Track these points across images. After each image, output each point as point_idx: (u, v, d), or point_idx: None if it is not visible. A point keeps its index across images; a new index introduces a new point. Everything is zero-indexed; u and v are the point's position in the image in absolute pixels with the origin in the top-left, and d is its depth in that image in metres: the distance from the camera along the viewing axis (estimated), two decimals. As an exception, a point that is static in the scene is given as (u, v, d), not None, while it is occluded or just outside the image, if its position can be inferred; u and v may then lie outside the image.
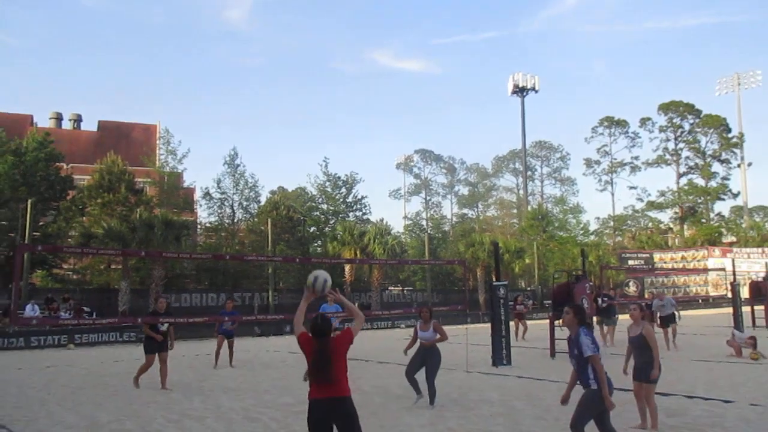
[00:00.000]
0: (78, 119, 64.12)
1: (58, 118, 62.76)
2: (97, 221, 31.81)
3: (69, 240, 32.86)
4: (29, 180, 32.10)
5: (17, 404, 9.74)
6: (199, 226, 42.36)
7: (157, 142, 44.01)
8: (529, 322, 21.07)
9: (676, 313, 16.95)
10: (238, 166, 40.35)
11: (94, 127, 61.75)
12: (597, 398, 5.39)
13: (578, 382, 5.57)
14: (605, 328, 17.89)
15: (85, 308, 25.55)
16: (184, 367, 14.68)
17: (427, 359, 8.94)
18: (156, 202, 37.04)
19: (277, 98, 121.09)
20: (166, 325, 11.35)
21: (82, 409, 9.23)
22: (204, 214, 42.25)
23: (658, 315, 17.06)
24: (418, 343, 9.18)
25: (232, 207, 40.56)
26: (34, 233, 29.73)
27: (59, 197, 34.34)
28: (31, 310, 21.88)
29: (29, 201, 27.34)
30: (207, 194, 40.05)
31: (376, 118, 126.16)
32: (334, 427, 4.45)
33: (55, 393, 10.86)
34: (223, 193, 40.04)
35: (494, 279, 14.58)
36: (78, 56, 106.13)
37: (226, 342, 14.41)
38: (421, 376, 8.92)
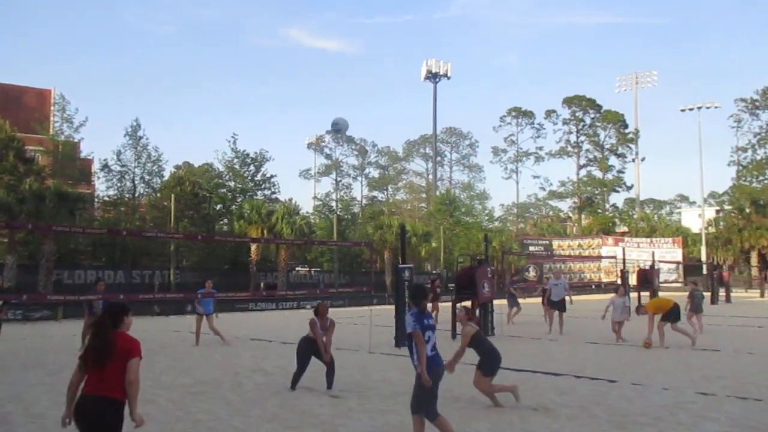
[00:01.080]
0: (-38, 79, 59.13)
1: (-61, 77, 57.70)
2: (-19, 190, 29.55)
3: (-52, 209, 30.35)
4: None
5: None
6: (96, 200, 40.21)
7: (52, 108, 41.21)
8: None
9: (568, 298, 17.36)
10: (141, 138, 38.52)
11: (-20, 89, 57.14)
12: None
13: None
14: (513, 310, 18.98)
15: (-36, 283, 23.73)
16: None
17: (316, 351, 8.84)
18: (49, 172, 34.78)
19: (185, 70, 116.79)
20: None
21: (-43, 392, 8.58)
22: (102, 188, 40.13)
23: (549, 296, 17.36)
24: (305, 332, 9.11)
25: (133, 181, 38.73)
26: None
27: (-62, 163, 31.60)
28: None
29: None
30: (105, 166, 38.00)
31: (288, 96, 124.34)
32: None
33: (-73, 374, 10.04)
34: (123, 166, 38.11)
35: (400, 261, 14.74)
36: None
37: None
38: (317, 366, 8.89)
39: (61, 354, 12.54)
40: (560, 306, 16.95)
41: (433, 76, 69.16)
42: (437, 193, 64.68)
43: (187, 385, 9.10)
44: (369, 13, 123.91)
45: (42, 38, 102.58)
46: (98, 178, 39.55)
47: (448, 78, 70.36)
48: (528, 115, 72.76)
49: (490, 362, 7.52)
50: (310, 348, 8.83)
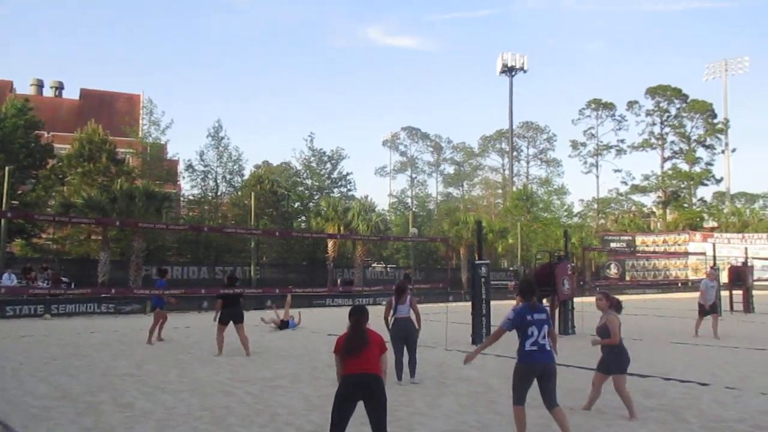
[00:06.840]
0: (60, 87, 62.92)
1: (39, 85, 61.55)
2: (77, 191, 31.32)
3: (48, 209, 32.34)
4: (7, 147, 31.40)
5: (-12, 374, 9.56)
6: (182, 199, 41.91)
7: (141, 112, 43.27)
8: (510, 303, 21.14)
9: (719, 301, 14.98)
10: (223, 138, 39.86)
11: (76, 96, 60.63)
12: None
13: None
14: None
15: (63, 278, 25.22)
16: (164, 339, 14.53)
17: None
18: (138, 173, 36.52)
19: (264, 72, 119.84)
20: None
21: (55, 380, 9.07)
22: (187, 187, 41.81)
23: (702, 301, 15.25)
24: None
25: (215, 180, 40.13)
26: (13, 201, 29.17)
27: (39, 165, 33.67)
28: (8, 279, 21.52)
29: (7, 168, 26.78)
30: (190, 166, 39.57)
31: (364, 94, 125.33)
32: None
33: (29, 363, 10.68)
34: (206, 166, 39.58)
35: (476, 258, 14.52)
36: (60, 22, 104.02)
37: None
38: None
39: (147, 346, 13.09)
40: (714, 309, 15.08)
41: (509, 70, 67.93)
42: (514, 188, 63.51)
43: (268, 379, 9.27)
44: (445, 10, 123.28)
45: (131, 45, 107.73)
46: (183, 177, 41.24)
47: (525, 71, 68.89)
48: (608, 107, 70.34)
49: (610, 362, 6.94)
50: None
